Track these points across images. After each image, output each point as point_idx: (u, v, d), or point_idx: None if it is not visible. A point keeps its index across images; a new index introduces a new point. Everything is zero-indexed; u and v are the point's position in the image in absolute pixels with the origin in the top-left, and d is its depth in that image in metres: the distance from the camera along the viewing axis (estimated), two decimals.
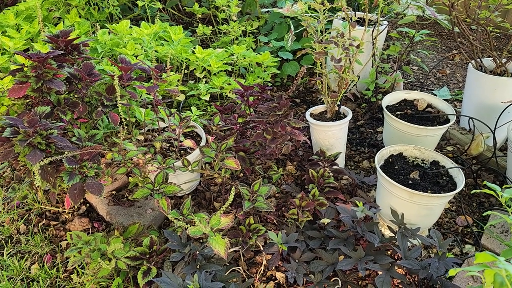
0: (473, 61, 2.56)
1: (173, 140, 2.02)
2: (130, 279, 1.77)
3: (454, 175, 1.92)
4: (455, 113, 2.31)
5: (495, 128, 2.27)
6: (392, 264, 1.65)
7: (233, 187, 1.60)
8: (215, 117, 2.02)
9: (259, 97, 2.20)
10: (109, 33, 2.79)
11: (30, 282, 1.85)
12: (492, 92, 2.42)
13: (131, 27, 2.78)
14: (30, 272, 1.90)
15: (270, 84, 3.12)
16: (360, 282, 1.77)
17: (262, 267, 1.76)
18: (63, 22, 2.93)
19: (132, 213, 2.09)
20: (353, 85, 2.82)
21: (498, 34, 4.20)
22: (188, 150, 2.14)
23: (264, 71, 2.95)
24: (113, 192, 2.23)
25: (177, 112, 1.98)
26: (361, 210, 1.72)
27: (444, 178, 1.92)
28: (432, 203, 1.75)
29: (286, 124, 1.82)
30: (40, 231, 2.10)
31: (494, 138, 2.28)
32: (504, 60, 2.48)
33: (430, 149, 2.05)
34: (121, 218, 2.06)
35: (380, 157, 2.01)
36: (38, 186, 1.95)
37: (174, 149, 2.12)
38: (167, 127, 2.13)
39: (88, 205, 2.26)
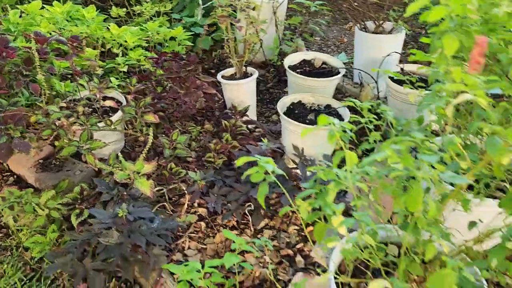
0: (358, 24, 2.98)
1: (94, 103, 2.19)
2: (65, 229, 1.93)
3: (342, 113, 2.29)
4: (344, 67, 2.70)
5: (377, 78, 2.70)
6: (294, 186, 1.98)
7: (151, 134, 1.83)
8: (132, 78, 2.21)
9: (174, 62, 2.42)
10: (20, 15, 2.85)
11: None
12: (374, 48, 2.85)
13: (44, 7, 2.85)
14: None
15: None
16: (270, 206, 2.07)
17: (186, 203, 2.00)
18: None
19: (61, 177, 2.22)
20: (259, 49, 3.11)
21: (378, 4, 4.75)
22: (111, 113, 2.32)
23: (179, 44, 3.16)
24: (40, 161, 2.34)
25: (96, 77, 2.15)
26: (266, 144, 2.03)
27: (335, 116, 2.29)
28: (315, 132, 2.10)
29: (196, 78, 2.07)
30: None
31: (377, 87, 2.71)
32: (381, 22, 2.93)
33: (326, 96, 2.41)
34: (50, 182, 2.19)
35: (282, 105, 2.34)
36: None
37: (97, 113, 2.28)
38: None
39: (15, 176, 2.35)
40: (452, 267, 0.75)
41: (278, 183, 1.08)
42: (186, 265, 1.54)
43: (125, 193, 1.86)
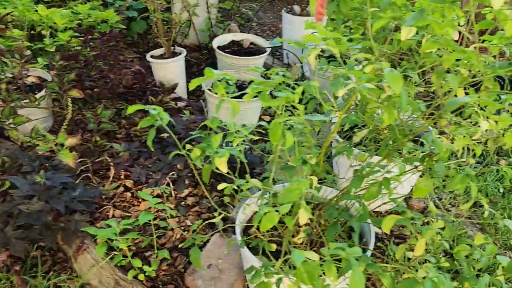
0: (284, 8, 3.14)
1: (17, 80, 2.20)
2: None
3: None
4: (270, 47, 2.85)
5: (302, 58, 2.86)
6: None
7: (70, 105, 1.88)
8: (55, 56, 2.24)
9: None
10: None
11: None
12: (300, 30, 3.01)
13: None
14: None
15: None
16: (193, 175, 2.18)
17: (112, 173, 2.07)
18: None
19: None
20: (188, 30, 3.19)
21: None
22: (37, 92, 2.33)
23: (111, 27, 3.19)
24: None
25: (19, 53, 2.16)
26: (188, 116, 2.13)
27: None
28: (243, 108, 2.23)
29: (119, 54, 2.14)
30: None
31: (302, 67, 2.87)
32: (306, 6, 3.10)
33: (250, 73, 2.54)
34: None
35: (208, 80, 2.44)
36: None
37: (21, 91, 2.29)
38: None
39: None
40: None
41: (168, 129, 1.18)
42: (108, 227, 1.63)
43: (47, 164, 1.90)
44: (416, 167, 1.14)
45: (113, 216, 1.98)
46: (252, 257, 1.37)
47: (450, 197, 2.25)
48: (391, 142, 1.22)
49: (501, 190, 2.29)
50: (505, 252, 1.97)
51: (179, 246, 1.79)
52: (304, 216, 0.86)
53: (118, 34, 2.15)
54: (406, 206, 2.15)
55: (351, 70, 0.98)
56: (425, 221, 1.15)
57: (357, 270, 0.77)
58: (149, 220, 1.66)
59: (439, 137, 1.05)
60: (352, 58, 1.29)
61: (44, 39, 2.77)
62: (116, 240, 1.61)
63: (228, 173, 1.17)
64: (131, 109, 1.10)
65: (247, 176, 1.23)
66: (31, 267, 1.78)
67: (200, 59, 3.33)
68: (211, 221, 1.37)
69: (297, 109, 1.18)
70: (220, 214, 2.02)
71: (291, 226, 0.92)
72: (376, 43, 1.23)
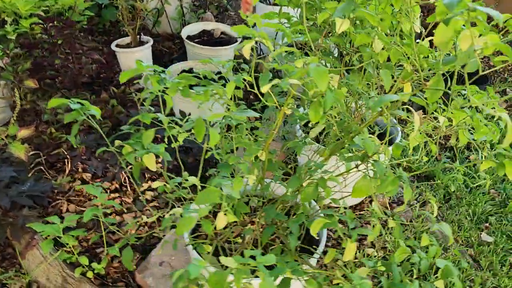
0: None
1: None
2: None
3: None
4: (241, 37, 2.77)
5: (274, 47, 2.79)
6: None
7: (17, 96, 1.81)
8: (9, 43, 2.15)
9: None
10: None
11: None
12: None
13: None
14: None
15: (84, 26, 3.26)
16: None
17: (68, 167, 2.01)
18: None
19: None
20: (157, 19, 3.11)
21: None
22: None
23: (81, 15, 3.09)
24: None
25: None
26: (148, 109, 2.06)
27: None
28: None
29: (76, 42, 2.05)
30: None
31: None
32: None
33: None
34: None
35: (173, 71, 2.37)
36: None
37: None
38: None
39: None
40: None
41: (95, 124, 1.11)
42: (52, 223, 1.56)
43: None
44: (357, 166, 1.09)
45: (67, 210, 1.91)
46: (198, 257, 1.33)
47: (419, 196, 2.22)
48: (335, 139, 1.17)
49: (470, 186, 2.26)
50: (466, 250, 1.94)
51: (130, 243, 1.74)
52: (222, 220, 0.81)
53: (72, 22, 2.07)
54: (370, 202, 2.11)
55: (286, 64, 0.93)
56: (373, 223, 1.10)
57: (267, 279, 0.72)
58: (97, 216, 1.60)
59: (370, 137, 1.00)
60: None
61: (5, 25, 2.67)
62: (62, 237, 1.55)
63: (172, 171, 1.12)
64: (53, 102, 1.04)
65: (185, 173, 1.18)
66: None
67: (173, 48, 3.25)
68: (149, 220, 1.31)
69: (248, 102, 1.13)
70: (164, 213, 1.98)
71: (209, 231, 0.87)
72: (318, 34, 1.17)
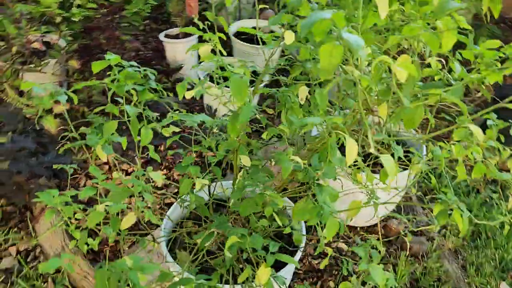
0: None
1: (23, 45, 2.32)
2: None
3: None
4: None
5: None
6: None
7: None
8: (61, 25, 2.34)
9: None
10: None
11: None
12: None
13: None
14: None
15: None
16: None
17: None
18: None
19: None
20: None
21: None
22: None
23: (145, 3, 3.25)
24: None
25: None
26: (171, 99, 2.11)
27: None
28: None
29: (115, 28, 2.17)
30: None
31: None
32: None
33: None
34: None
35: (207, 66, 2.40)
36: None
37: (37, 56, 2.43)
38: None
39: None
40: None
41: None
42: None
43: (30, 127, 2.01)
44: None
45: (84, 185, 2.04)
46: (167, 254, 1.33)
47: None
48: None
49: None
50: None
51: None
52: (128, 220, 0.81)
53: (114, 9, 2.19)
54: (384, 227, 1.97)
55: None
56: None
57: None
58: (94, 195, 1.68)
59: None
60: None
61: (72, 8, 2.90)
62: (60, 209, 1.65)
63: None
64: (95, 66, 1.06)
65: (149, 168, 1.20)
66: (0, 220, 1.91)
67: (227, 42, 3.29)
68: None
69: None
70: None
71: (115, 228, 0.87)
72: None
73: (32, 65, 2.27)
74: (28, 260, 1.76)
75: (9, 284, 1.67)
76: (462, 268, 1.85)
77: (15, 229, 1.87)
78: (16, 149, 1.80)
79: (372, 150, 0.55)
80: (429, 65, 1.02)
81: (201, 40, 1.17)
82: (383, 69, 0.84)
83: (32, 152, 1.88)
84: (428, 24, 0.77)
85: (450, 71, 0.95)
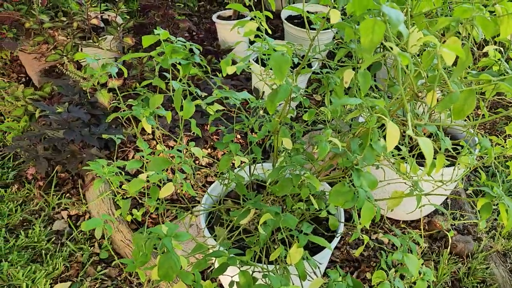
0: None
1: (83, 21, 2.43)
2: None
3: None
4: None
5: None
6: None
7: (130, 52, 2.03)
8: (119, 3, 2.42)
9: None
10: None
11: None
12: None
13: None
14: None
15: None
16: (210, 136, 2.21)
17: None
18: None
19: (57, 83, 2.54)
20: None
21: None
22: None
23: None
24: (46, 67, 2.69)
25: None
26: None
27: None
28: None
29: (169, 8, 2.22)
30: None
31: None
32: None
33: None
34: None
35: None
36: None
37: (96, 32, 2.53)
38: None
39: (27, 78, 2.73)
40: None
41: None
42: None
43: (85, 100, 2.11)
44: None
45: (133, 158, 2.12)
46: (205, 228, 1.37)
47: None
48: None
49: None
50: None
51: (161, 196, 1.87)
52: (166, 189, 0.83)
53: None
54: (428, 223, 1.91)
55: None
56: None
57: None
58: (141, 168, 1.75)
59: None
60: None
61: None
62: (108, 179, 1.74)
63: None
64: (146, 40, 1.09)
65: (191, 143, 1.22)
66: (55, 185, 2.03)
67: (279, 27, 3.27)
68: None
69: None
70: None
71: (154, 197, 0.90)
72: None
73: (90, 41, 2.37)
74: (78, 224, 1.87)
75: (59, 245, 1.78)
76: (510, 272, 1.75)
77: (68, 194, 1.99)
78: (71, 119, 1.90)
79: (409, 132, 0.53)
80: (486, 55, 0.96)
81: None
82: (433, 54, 0.80)
83: (85, 123, 1.98)
84: (485, 6, 0.72)
85: (508, 60, 0.88)
